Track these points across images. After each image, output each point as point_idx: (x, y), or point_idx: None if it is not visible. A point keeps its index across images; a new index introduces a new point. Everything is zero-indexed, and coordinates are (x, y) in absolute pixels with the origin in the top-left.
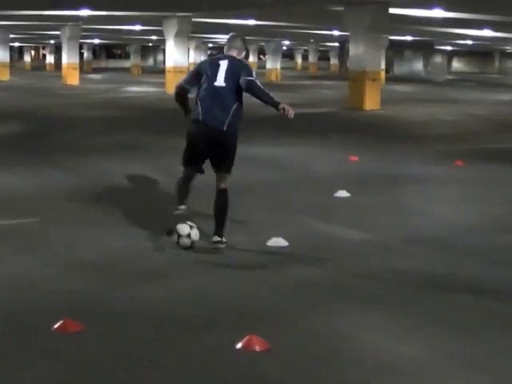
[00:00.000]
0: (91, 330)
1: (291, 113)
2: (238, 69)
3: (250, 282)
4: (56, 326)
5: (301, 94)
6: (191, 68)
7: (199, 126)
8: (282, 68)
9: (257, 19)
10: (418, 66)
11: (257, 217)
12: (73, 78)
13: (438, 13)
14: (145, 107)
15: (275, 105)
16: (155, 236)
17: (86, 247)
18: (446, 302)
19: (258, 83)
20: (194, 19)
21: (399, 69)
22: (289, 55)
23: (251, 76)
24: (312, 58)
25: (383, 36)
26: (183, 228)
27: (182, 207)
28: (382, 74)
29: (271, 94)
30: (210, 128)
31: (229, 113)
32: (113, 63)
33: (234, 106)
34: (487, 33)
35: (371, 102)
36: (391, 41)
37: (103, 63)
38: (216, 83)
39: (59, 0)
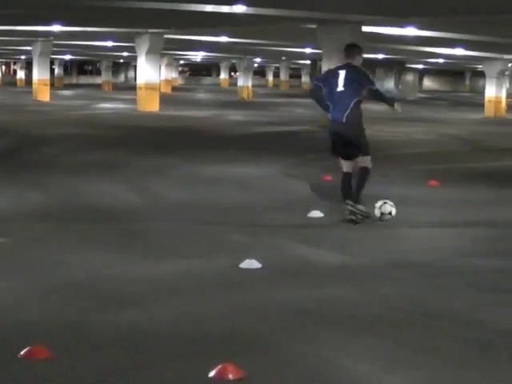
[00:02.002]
0: (61, 358)
1: (400, 110)
2: (356, 76)
3: (223, 306)
4: (23, 352)
5: (273, 111)
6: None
7: (330, 124)
8: (253, 85)
9: (230, 36)
10: (390, 84)
11: (229, 237)
12: (44, 95)
13: (410, 31)
14: (117, 125)
15: (390, 102)
16: (131, 259)
17: (58, 270)
18: (434, 329)
19: (379, 90)
20: (166, 36)
21: None
22: (260, 72)
23: (373, 85)
24: (284, 76)
25: None
26: (386, 207)
27: (349, 203)
28: None
29: (385, 96)
30: (336, 125)
31: (347, 110)
32: (84, 79)
33: (352, 105)
34: (459, 51)
35: None
36: (363, 59)
37: (74, 79)
38: (337, 89)
39: (31, 15)
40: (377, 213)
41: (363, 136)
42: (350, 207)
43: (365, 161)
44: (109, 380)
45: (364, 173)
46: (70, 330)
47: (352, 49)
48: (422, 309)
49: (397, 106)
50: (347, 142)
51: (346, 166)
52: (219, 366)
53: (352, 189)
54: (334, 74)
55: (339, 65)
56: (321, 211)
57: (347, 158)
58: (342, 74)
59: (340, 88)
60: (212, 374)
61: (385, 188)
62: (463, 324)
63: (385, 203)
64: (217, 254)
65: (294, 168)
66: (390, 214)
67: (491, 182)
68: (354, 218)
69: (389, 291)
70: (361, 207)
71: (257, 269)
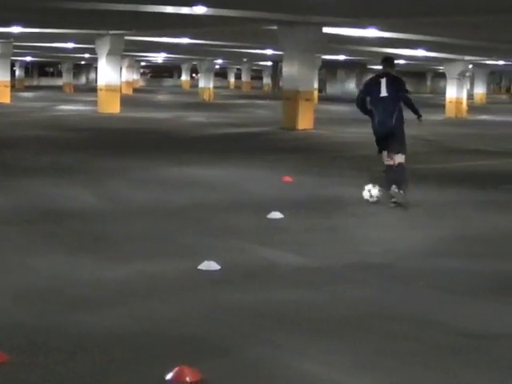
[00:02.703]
0: (19, 362)
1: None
2: (396, 83)
3: (182, 309)
4: None
5: (235, 113)
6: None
7: (378, 126)
8: (214, 87)
9: (191, 38)
10: (351, 85)
11: (188, 239)
12: (4, 96)
13: (372, 32)
14: (78, 127)
15: (417, 114)
16: (90, 262)
17: (20, 273)
18: (396, 331)
19: (410, 97)
20: (126, 37)
21: (332, 88)
22: (222, 74)
23: (406, 92)
24: (245, 77)
25: (317, 55)
26: (375, 191)
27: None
28: (316, 94)
29: (415, 106)
30: (385, 127)
31: (394, 113)
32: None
33: (397, 108)
34: (420, 53)
35: (305, 122)
36: (324, 60)
37: (35, 81)
38: (381, 95)
39: None
40: (366, 195)
41: (404, 137)
42: (394, 193)
43: (402, 158)
44: None
45: (402, 167)
46: (29, 334)
47: (390, 60)
48: (383, 311)
49: (421, 118)
50: (394, 139)
51: (389, 160)
52: (176, 369)
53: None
54: (375, 82)
55: (378, 73)
56: (281, 212)
57: (392, 152)
58: (383, 81)
59: (383, 94)
60: (169, 376)
61: (346, 189)
62: (425, 326)
63: (374, 186)
64: (176, 256)
65: (254, 169)
66: (378, 197)
67: (454, 182)
68: (396, 201)
69: (349, 293)
70: (402, 193)
71: (215, 271)
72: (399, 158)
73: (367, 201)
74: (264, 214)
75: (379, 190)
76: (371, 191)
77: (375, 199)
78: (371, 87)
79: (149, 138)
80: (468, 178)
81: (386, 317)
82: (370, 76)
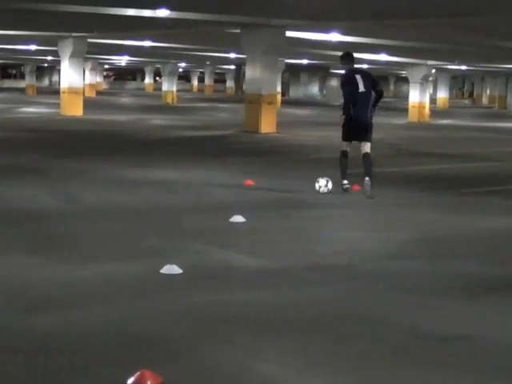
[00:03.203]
0: None
1: None
2: (368, 78)
3: (143, 312)
4: None
5: (197, 116)
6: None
7: (355, 118)
8: (178, 90)
9: (153, 41)
10: (314, 89)
11: (149, 243)
12: None
13: (334, 36)
14: (40, 129)
15: (375, 107)
16: (49, 264)
17: None
18: (355, 333)
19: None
20: (89, 40)
21: (295, 92)
22: (185, 77)
23: (380, 87)
24: (208, 81)
25: (280, 59)
26: (322, 181)
27: (345, 182)
28: (279, 97)
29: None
30: (361, 119)
31: (369, 109)
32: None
33: (371, 103)
34: (382, 57)
35: (267, 125)
36: (287, 64)
37: None
38: (359, 90)
39: None
40: (324, 190)
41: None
42: (368, 186)
43: (369, 147)
44: None
45: (370, 156)
46: None
47: (352, 56)
48: (342, 312)
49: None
50: (365, 131)
51: (349, 147)
52: (138, 373)
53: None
54: (353, 77)
55: (351, 68)
56: (243, 216)
57: (358, 140)
58: (359, 77)
59: (362, 89)
60: (130, 380)
61: (308, 191)
62: (385, 327)
63: (328, 181)
64: (137, 259)
65: (216, 172)
66: (329, 189)
67: (415, 185)
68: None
69: (308, 295)
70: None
71: (178, 274)
72: (368, 148)
73: (319, 192)
74: (226, 217)
75: (329, 182)
76: (322, 183)
77: (326, 190)
78: (352, 83)
79: (111, 140)
80: (430, 181)
81: (345, 318)
82: (333, 81)
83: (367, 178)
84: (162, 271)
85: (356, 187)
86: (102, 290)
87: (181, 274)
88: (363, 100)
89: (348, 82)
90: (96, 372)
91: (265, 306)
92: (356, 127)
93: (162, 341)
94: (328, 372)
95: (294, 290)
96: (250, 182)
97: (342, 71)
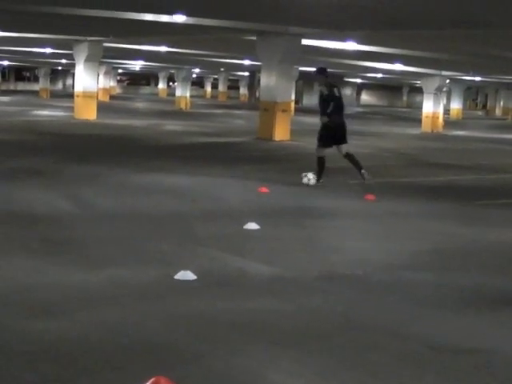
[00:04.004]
0: None
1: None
2: (340, 89)
3: (157, 317)
4: None
5: (212, 122)
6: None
7: (332, 125)
8: (191, 96)
9: (169, 46)
10: None
11: (164, 249)
12: None
13: (350, 45)
14: (53, 132)
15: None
16: (61, 267)
17: None
18: (367, 343)
19: None
20: (105, 44)
21: (308, 100)
22: (198, 83)
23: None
24: (222, 87)
25: (294, 67)
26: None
27: (321, 180)
28: (293, 105)
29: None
30: (338, 123)
31: (343, 116)
32: (22, 86)
33: (343, 112)
34: (397, 67)
35: (281, 133)
36: (301, 72)
37: (12, 85)
38: (337, 100)
39: None
40: (312, 182)
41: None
42: (367, 176)
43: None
44: None
45: (352, 155)
46: None
47: (327, 71)
48: (355, 322)
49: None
50: (343, 133)
51: (325, 152)
52: (152, 379)
53: None
54: (332, 89)
55: (328, 82)
56: (257, 223)
57: (335, 145)
58: (335, 89)
59: (337, 99)
60: None
61: (320, 200)
62: (397, 338)
63: (310, 174)
64: (151, 265)
65: (230, 179)
66: (314, 182)
67: (427, 196)
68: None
69: (320, 304)
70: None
71: (192, 280)
72: (346, 148)
73: (306, 184)
74: (241, 224)
75: (314, 176)
76: (308, 177)
77: (312, 183)
78: (334, 97)
79: (124, 144)
80: (443, 192)
81: (355, 328)
82: (346, 89)
83: (363, 171)
84: (176, 277)
85: (370, 196)
86: (116, 295)
87: (195, 280)
88: (340, 108)
89: (332, 96)
90: (106, 378)
91: (278, 315)
92: (334, 132)
93: (174, 347)
94: (345, 381)
95: (307, 299)
96: (264, 190)
97: (357, 80)
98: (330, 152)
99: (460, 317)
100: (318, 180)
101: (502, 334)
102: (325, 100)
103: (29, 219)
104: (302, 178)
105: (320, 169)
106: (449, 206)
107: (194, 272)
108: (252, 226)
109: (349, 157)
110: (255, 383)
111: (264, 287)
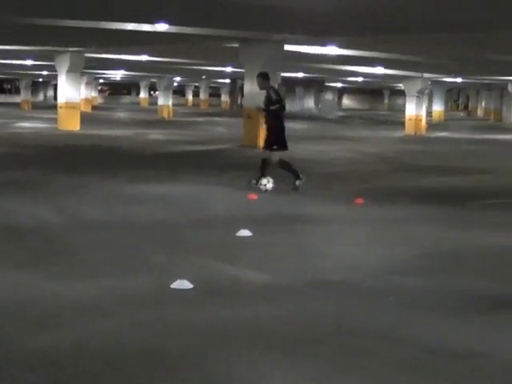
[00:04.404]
0: None
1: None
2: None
3: (154, 327)
4: None
5: (194, 131)
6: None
7: (283, 129)
8: (173, 104)
9: (150, 55)
10: (310, 103)
11: (157, 258)
12: None
13: (331, 50)
14: (39, 144)
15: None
16: (52, 279)
17: None
18: (360, 348)
19: None
20: (86, 54)
21: (291, 106)
22: (180, 91)
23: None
24: (203, 95)
25: (277, 73)
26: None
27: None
28: None
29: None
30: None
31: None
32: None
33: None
34: (378, 70)
35: None
36: (283, 77)
37: None
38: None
39: None
40: (270, 186)
41: None
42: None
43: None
44: None
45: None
46: None
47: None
48: (347, 328)
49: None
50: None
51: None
52: None
53: None
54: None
55: (277, 89)
56: (249, 230)
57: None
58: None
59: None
60: None
61: (309, 205)
62: (390, 342)
63: (267, 180)
64: (145, 274)
65: (217, 186)
66: (271, 187)
67: (415, 199)
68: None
69: (313, 310)
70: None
71: (189, 289)
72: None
73: (266, 190)
74: (233, 231)
75: (270, 182)
76: (263, 183)
77: (270, 187)
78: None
79: (109, 154)
80: (430, 195)
81: (347, 333)
82: (327, 94)
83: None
84: (172, 286)
85: (359, 201)
86: (111, 305)
87: (191, 288)
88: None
89: (280, 100)
90: None
91: (269, 321)
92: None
93: (172, 356)
94: None
95: (300, 306)
96: (253, 196)
97: (338, 84)
98: (321, 158)
99: (451, 320)
100: (259, 179)
101: (493, 338)
102: (275, 103)
103: (17, 232)
104: (261, 188)
105: (262, 171)
106: (436, 210)
107: (191, 281)
108: (245, 232)
109: (264, 162)
110: None
111: (259, 295)
